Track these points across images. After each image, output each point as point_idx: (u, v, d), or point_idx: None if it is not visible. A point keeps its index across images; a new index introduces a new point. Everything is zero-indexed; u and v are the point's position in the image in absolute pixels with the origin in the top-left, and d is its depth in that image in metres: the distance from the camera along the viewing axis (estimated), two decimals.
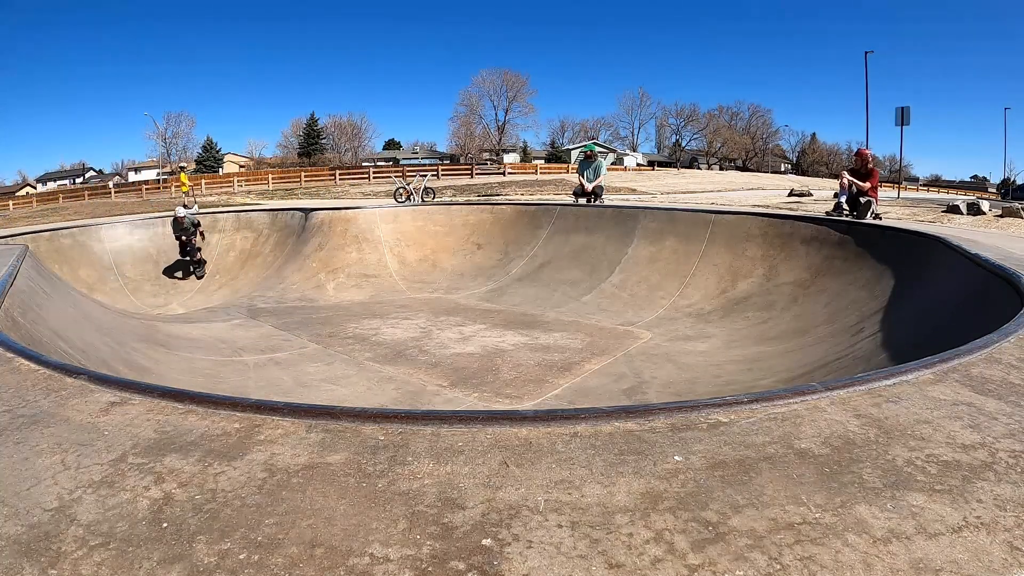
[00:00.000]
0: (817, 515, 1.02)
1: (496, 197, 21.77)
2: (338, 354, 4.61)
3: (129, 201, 31.72)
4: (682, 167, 58.50)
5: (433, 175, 34.21)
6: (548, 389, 3.73)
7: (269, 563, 0.92)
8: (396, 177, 20.62)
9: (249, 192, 35.19)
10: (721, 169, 60.46)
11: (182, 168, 19.68)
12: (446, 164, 48.90)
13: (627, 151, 62.66)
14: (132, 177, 58.88)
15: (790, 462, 1.20)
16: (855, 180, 7.17)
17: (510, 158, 55.34)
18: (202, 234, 8.31)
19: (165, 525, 1.01)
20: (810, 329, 4.51)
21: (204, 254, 8.44)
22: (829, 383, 1.59)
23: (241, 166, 58.12)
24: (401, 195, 16.26)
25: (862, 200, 7.13)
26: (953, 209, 10.10)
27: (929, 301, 3.77)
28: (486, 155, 56.66)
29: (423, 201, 14.28)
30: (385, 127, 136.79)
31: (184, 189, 16.71)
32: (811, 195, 17.49)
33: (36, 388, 1.64)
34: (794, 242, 5.83)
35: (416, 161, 57.14)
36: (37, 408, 1.50)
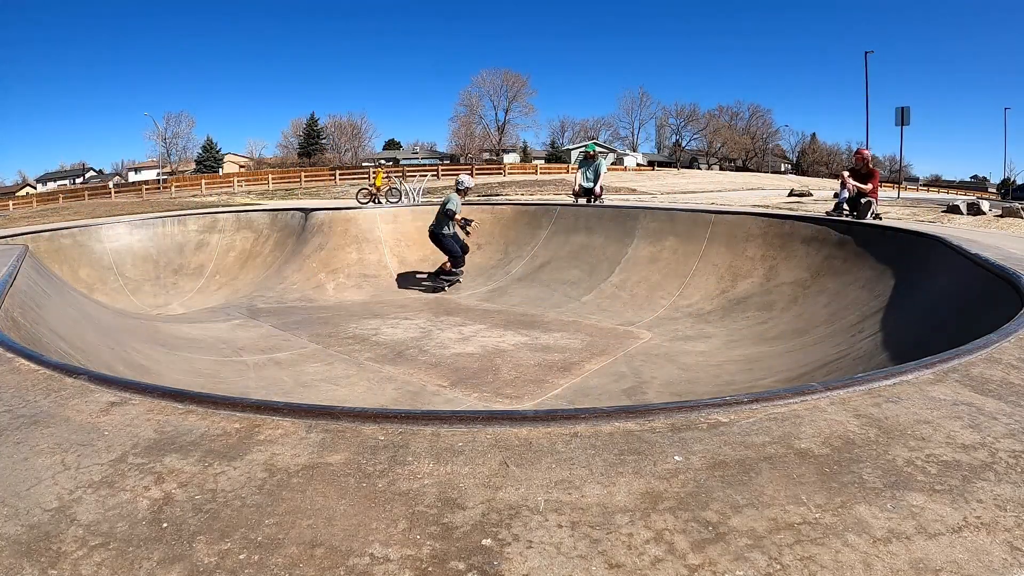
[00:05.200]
0: (817, 515, 1.02)
1: (496, 197, 21.78)
2: (338, 354, 4.61)
3: (129, 201, 31.71)
4: (682, 167, 58.52)
5: (433, 175, 34.18)
6: (548, 389, 3.73)
7: (269, 563, 0.92)
8: (397, 177, 20.43)
9: (249, 192, 35.20)
10: (721, 169, 60.48)
11: (379, 165, 19.29)
12: (446, 164, 48.89)
13: (627, 151, 62.67)
14: (132, 177, 58.91)
15: (790, 462, 1.20)
16: (856, 183, 7.16)
17: (510, 158, 55.39)
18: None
19: (165, 525, 1.01)
20: (810, 329, 4.51)
21: (204, 255, 8.44)
22: (829, 383, 1.59)
23: (241, 166, 58.14)
24: (364, 196, 15.89)
25: (862, 200, 7.13)
26: (953, 209, 10.11)
27: (929, 301, 3.77)
28: (486, 155, 56.71)
29: (388, 203, 14.14)
30: (385, 127, 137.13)
31: (379, 183, 16.30)
32: (811, 195, 17.51)
33: (36, 388, 1.64)
34: (794, 242, 5.83)
35: (416, 161, 57.10)
36: (37, 408, 1.50)
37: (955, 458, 1.21)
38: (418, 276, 7.77)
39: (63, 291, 5.02)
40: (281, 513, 1.05)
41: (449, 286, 7.40)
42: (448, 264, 7.42)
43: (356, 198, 16.35)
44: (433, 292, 7.32)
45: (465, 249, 7.53)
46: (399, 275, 7.86)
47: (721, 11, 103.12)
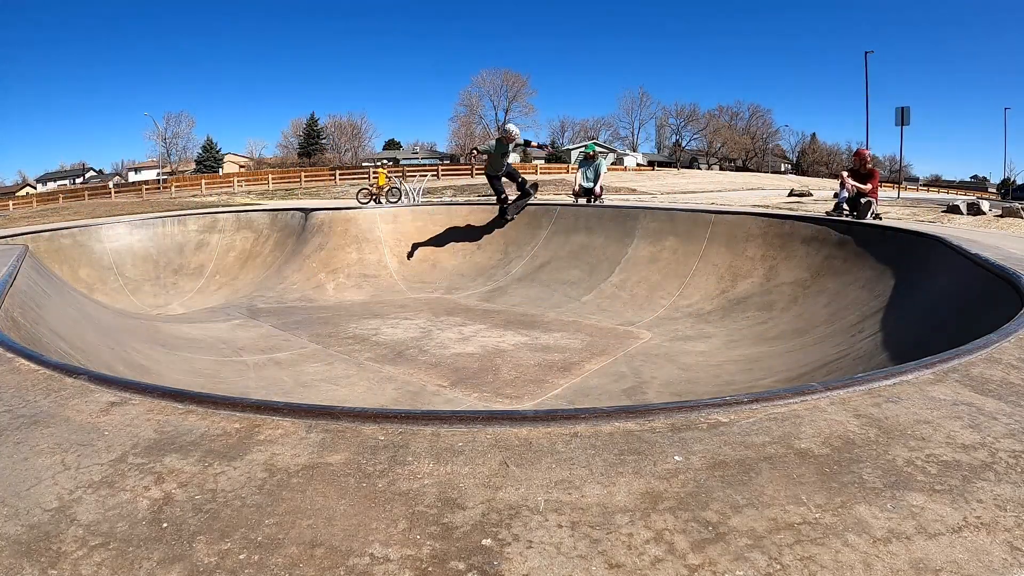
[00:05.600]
0: (817, 515, 1.02)
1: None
2: (338, 354, 4.61)
3: (129, 201, 31.72)
4: (682, 167, 58.53)
5: (433, 175, 34.17)
6: (548, 389, 3.73)
7: (269, 563, 0.92)
8: (397, 177, 20.33)
9: (249, 192, 35.20)
10: (721, 169, 60.46)
11: (381, 165, 19.02)
12: (446, 164, 48.91)
13: (627, 151, 62.67)
14: (132, 177, 58.95)
15: (790, 462, 1.20)
16: (856, 183, 7.16)
17: (510, 158, 55.39)
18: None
19: (165, 525, 1.01)
20: (810, 329, 4.51)
21: (204, 255, 8.44)
22: (829, 383, 1.59)
23: (241, 166, 58.15)
24: (364, 196, 15.85)
25: (862, 200, 7.13)
26: (953, 209, 10.10)
27: (929, 301, 3.77)
28: (486, 155, 56.72)
29: (389, 202, 14.13)
30: (385, 127, 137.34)
31: (381, 182, 16.19)
32: (811, 195, 17.50)
33: (36, 388, 1.64)
34: (794, 242, 5.83)
35: (416, 161, 57.10)
36: (37, 408, 1.50)
37: (955, 458, 1.21)
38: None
39: (63, 291, 5.02)
40: (281, 513, 1.05)
41: (516, 211, 8.53)
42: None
43: (356, 198, 16.26)
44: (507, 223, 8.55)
45: (518, 180, 8.66)
46: (399, 275, 7.86)
47: (721, 11, 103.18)
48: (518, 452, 1.25)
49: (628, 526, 1.00)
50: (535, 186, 9.35)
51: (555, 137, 66.53)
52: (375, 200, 15.47)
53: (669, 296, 6.02)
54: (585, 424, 1.37)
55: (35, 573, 0.90)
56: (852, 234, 5.42)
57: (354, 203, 14.43)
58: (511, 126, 8.60)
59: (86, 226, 8.28)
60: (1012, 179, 41.90)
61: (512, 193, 8.58)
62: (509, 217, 8.40)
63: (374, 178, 16.67)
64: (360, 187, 16.73)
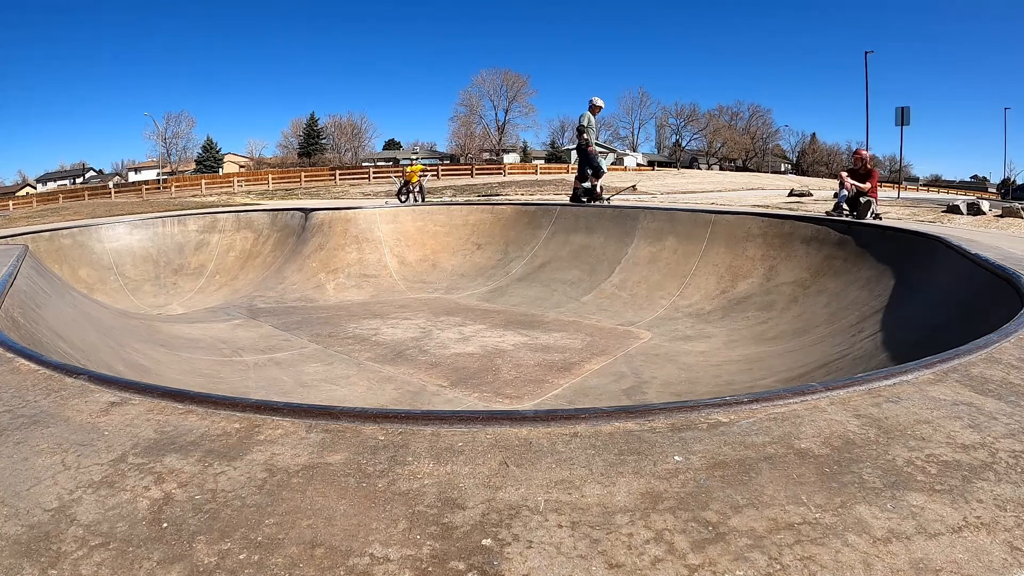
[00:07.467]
0: (817, 515, 1.02)
1: (496, 197, 21.74)
2: (338, 354, 4.61)
3: (129, 201, 31.71)
4: (682, 167, 58.53)
5: (433, 175, 34.18)
6: (548, 389, 3.73)
7: (269, 563, 0.92)
8: (397, 177, 20.42)
9: (249, 192, 35.18)
10: (721, 169, 60.45)
11: (411, 161, 19.40)
12: (446, 164, 48.93)
13: (627, 151, 62.67)
14: (132, 177, 58.96)
15: (790, 462, 1.20)
16: (855, 183, 7.17)
17: (510, 158, 55.40)
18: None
19: (165, 525, 1.01)
20: (810, 329, 4.51)
21: (204, 255, 8.44)
22: (829, 383, 1.59)
23: (241, 166, 58.16)
24: (403, 195, 16.05)
25: (862, 200, 7.13)
26: (953, 209, 10.09)
27: (929, 301, 3.77)
28: (486, 155, 56.73)
29: (423, 200, 14.28)
30: (385, 127, 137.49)
31: (413, 180, 16.39)
32: (811, 195, 17.48)
33: (36, 388, 1.64)
34: (794, 242, 5.83)
35: (416, 161, 57.10)
36: (37, 408, 1.50)
37: (955, 458, 1.21)
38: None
39: (63, 291, 5.02)
40: (281, 513, 1.05)
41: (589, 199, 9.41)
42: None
43: (397, 197, 16.40)
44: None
45: (591, 172, 9.53)
46: (399, 275, 7.86)
47: (721, 11, 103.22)
48: (518, 452, 1.25)
49: (628, 526, 1.00)
50: (591, 191, 9.64)
51: (555, 137, 66.58)
52: (411, 197, 15.66)
53: (669, 296, 6.02)
54: (585, 424, 1.37)
55: (35, 573, 0.90)
56: (852, 234, 5.42)
57: (354, 203, 14.48)
58: (596, 97, 9.34)
59: (86, 226, 8.28)
60: (1012, 179, 41.91)
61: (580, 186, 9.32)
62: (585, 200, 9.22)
63: (406, 175, 16.85)
64: (399, 186, 16.94)
